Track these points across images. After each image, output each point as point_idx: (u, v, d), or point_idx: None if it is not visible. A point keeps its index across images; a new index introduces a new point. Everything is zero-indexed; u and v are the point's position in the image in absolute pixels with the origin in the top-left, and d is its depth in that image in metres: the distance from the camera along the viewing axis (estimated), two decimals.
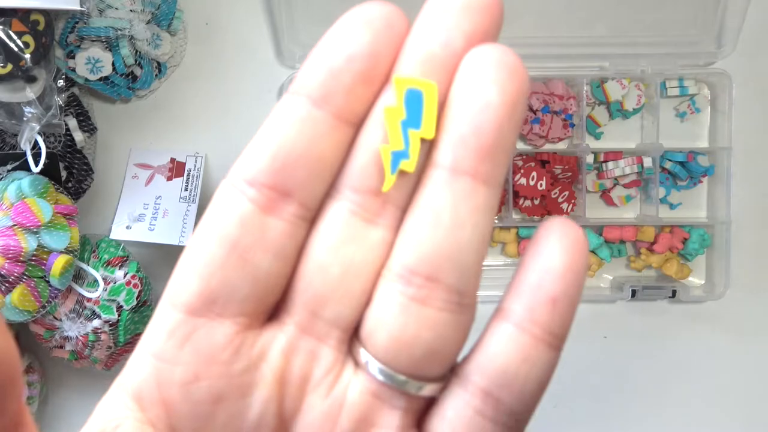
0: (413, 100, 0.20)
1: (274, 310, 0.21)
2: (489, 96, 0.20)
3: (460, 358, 0.21)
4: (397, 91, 0.20)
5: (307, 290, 0.20)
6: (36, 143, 0.51)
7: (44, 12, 0.50)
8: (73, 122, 0.56)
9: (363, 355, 0.20)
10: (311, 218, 0.20)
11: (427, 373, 0.20)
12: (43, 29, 0.50)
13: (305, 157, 0.20)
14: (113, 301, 0.54)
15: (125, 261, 0.57)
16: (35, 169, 0.51)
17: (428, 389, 0.20)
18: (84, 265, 0.54)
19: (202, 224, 0.22)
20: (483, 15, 0.21)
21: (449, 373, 0.21)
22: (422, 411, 0.21)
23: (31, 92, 0.50)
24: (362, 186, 0.20)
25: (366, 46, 0.20)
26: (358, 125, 0.20)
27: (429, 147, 0.20)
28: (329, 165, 0.20)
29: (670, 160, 0.61)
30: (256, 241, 0.20)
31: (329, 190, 0.20)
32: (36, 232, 0.50)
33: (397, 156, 0.20)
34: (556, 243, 0.20)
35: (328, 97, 0.20)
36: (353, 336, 0.20)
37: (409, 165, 0.20)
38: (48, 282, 0.51)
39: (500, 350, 0.20)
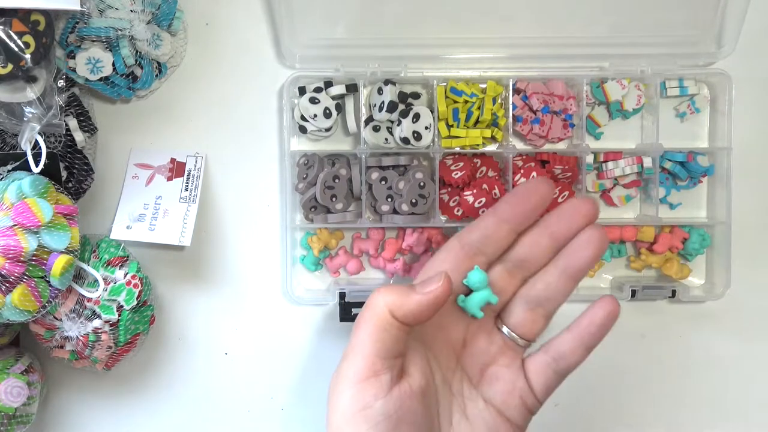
0: None
1: None
2: None
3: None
4: None
5: None
6: (36, 143, 0.51)
7: (44, 12, 0.50)
8: (73, 122, 0.56)
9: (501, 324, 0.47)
10: None
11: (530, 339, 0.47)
12: (44, 29, 0.50)
13: None
14: (113, 301, 0.54)
15: (125, 261, 0.57)
16: (35, 169, 0.51)
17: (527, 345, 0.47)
18: (84, 265, 0.54)
19: None
20: None
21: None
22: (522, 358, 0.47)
23: (31, 92, 0.50)
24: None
25: None
26: None
27: None
28: None
29: (670, 160, 0.61)
30: None
31: None
32: (36, 232, 0.50)
33: None
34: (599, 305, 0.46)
35: None
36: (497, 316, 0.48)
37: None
38: (48, 282, 0.51)
39: (561, 343, 0.46)
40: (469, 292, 0.46)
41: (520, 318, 0.46)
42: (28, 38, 0.49)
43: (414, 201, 0.58)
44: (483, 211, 0.59)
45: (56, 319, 0.54)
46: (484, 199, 0.59)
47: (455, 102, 0.60)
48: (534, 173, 0.59)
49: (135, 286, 0.55)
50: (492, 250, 0.46)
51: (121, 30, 0.54)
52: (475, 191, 0.59)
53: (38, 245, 0.50)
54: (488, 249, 0.46)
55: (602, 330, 0.45)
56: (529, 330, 0.46)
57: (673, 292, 0.60)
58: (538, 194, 0.45)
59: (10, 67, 0.49)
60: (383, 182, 0.59)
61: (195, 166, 0.61)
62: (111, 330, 0.55)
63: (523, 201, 0.45)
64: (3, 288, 0.49)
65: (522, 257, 0.46)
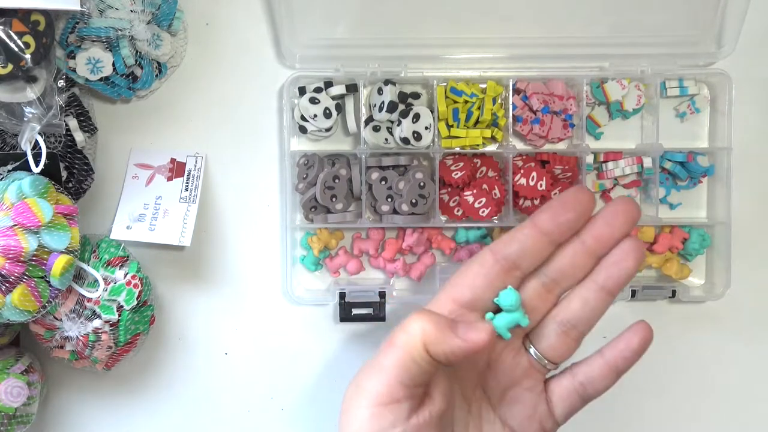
0: None
1: None
2: None
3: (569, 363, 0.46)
4: None
5: None
6: (36, 143, 0.51)
7: (45, 12, 0.50)
8: (73, 122, 0.56)
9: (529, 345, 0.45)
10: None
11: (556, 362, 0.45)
12: (44, 29, 0.50)
13: None
14: (113, 301, 0.54)
15: (125, 261, 0.57)
16: (36, 170, 0.51)
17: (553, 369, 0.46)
18: (84, 265, 0.54)
19: None
20: None
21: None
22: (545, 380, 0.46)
23: (31, 92, 0.50)
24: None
25: None
26: None
27: None
28: None
29: (669, 161, 0.61)
30: None
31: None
32: (36, 232, 0.50)
33: None
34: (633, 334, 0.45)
35: None
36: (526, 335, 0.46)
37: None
38: (48, 282, 0.51)
39: (592, 368, 0.45)
40: (499, 309, 0.44)
41: (552, 341, 0.44)
42: (28, 38, 0.49)
43: (414, 201, 0.58)
44: (483, 211, 0.59)
45: (56, 319, 0.54)
46: (484, 199, 0.59)
47: (455, 102, 0.60)
48: (534, 173, 0.59)
49: (135, 286, 0.55)
50: (529, 264, 0.43)
51: (121, 30, 0.54)
52: (475, 191, 0.59)
53: (38, 245, 0.50)
54: (525, 263, 0.43)
55: (636, 356, 0.44)
56: (558, 354, 0.45)
57: (673, 292, 0.60)
58: (581, 204, 0.43)
59: (10, 67, 0.49)
60: (383, 182, 0.59)
61: (195, 166, 0.61)
62: (111, 330, 0.55)
63: (565, 211, 0.43)
64: (3, 288, 0.49)
65: (560, 270, 0.44)
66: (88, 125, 0.57)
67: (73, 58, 0.55)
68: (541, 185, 0.60)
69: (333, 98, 0.60)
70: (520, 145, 0.62)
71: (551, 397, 0.45)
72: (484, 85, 0.61)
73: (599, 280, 0.44)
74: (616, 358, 0.44)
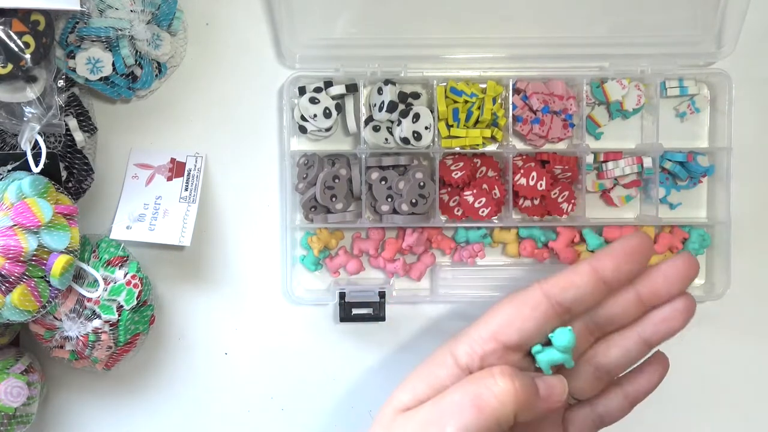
0: None
1: None
2: None
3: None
4: None
5: None
6: (36, 143, 0.51)
7: (44, 12, 0.50)
8: (73, 122, 0.56)
9: None
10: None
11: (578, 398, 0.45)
12: (44, 29, 0.50)
13: None
14: (113, 301, 0.54)
15: (125, 261, 0.57)
16: (35, 169, 0.51)
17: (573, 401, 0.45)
18: (84, 265, 0.54)
19: None
20: None
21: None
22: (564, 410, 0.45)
23: (31, 92, 0.50)
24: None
25: None
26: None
27: None
28: None
29: (669, 160, 0.61)
30: None
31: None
32: (36, 232, 0.50)
33: None
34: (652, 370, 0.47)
35: None
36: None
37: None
38: (48, 282, 0.51)
39: (612, 401, 0.45)
40: (545, 342, 0.42)
41: (585, 383, 0.44)
42: (28, 38, 0.49)
43: (414, 201, 0.58)
44: (483, 211, 0.59)
45: (56, 319, 0.54)
46: (484, 199, 0.59)
47: (455, 102, 0.60)
48: (534, 173, 0.59)
49: (135, 286, 0.55)
50: (581, 310, 0.43)
51: (121, 30, 0.54)
52: (475, 191, 0.59)
53: (38, 245, 0.50)
54: (579, 308, 0.42)
55: (654, 387, 0.45)
56: (586, 393, 0.45)
57: None
58: (644, 254, 0.42)
59: (10, 67, 0.49)
60: (383, 182, 0.59)
61: (195, 166, 0.61)
62: (111, 330, 0.55)
63: (631, 262, 0.42)
64: (3, 288, 0.49)
65: (609, 317, 0.44)
66: (88, 125, 0.57)
67: (73, 58, 0.55)
68: (541, 185, 0.60)
69: (333, 98, 0.60)
70: (520, 145, 0.62)
71: (568, 427, 0.45)
72: (484, 85, 0.61)
73: (644, 334, 0.43)
74: (636, 391, 0.45)
